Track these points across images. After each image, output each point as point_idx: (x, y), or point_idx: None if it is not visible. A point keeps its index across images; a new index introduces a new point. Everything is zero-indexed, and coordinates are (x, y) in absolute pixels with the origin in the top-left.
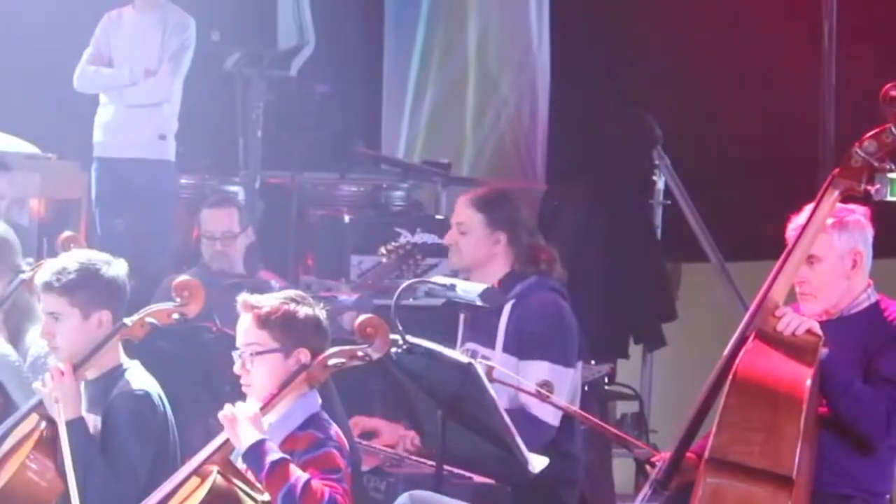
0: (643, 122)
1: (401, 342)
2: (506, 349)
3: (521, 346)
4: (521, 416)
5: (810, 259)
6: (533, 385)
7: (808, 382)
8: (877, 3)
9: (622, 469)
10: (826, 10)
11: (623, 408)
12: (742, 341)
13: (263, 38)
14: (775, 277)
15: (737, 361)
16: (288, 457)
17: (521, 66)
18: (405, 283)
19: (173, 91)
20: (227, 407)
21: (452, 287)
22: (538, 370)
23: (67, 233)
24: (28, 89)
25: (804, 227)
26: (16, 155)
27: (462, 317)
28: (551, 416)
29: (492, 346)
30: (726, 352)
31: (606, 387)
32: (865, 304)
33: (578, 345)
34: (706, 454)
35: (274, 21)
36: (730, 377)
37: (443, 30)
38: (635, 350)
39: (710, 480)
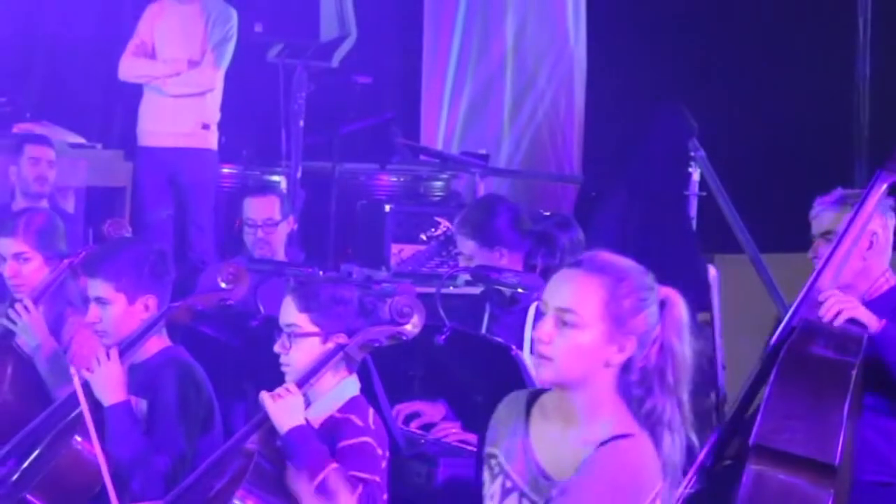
0: (679, 113)
1: (444, 327)
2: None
3: None
4: None
5: (827, 235)
6: None
7: (853, 373)
8: None
9: None
10: (861, 4)
11: None
12: (788, 331)
13: (306, 29)
14: (822, 268)
15: (783, 350)
16: (325, 447)
17: (557, 60)
18: (468, 268)
19: (216, 81)
20: (264, 395)
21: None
22: None
23: (113, 219)
24: (73, 80)
25: (852, 219)
26: (61, 144)
27: (487, 314)
28: None
29: (519, 346)
30: (773, 340)
31: None
32: (885, 288)
33: None
34: (751, 441)
35: (316, 12)
36: (776, 366)
37: (481, 23)
38: None
39: (753, 467)
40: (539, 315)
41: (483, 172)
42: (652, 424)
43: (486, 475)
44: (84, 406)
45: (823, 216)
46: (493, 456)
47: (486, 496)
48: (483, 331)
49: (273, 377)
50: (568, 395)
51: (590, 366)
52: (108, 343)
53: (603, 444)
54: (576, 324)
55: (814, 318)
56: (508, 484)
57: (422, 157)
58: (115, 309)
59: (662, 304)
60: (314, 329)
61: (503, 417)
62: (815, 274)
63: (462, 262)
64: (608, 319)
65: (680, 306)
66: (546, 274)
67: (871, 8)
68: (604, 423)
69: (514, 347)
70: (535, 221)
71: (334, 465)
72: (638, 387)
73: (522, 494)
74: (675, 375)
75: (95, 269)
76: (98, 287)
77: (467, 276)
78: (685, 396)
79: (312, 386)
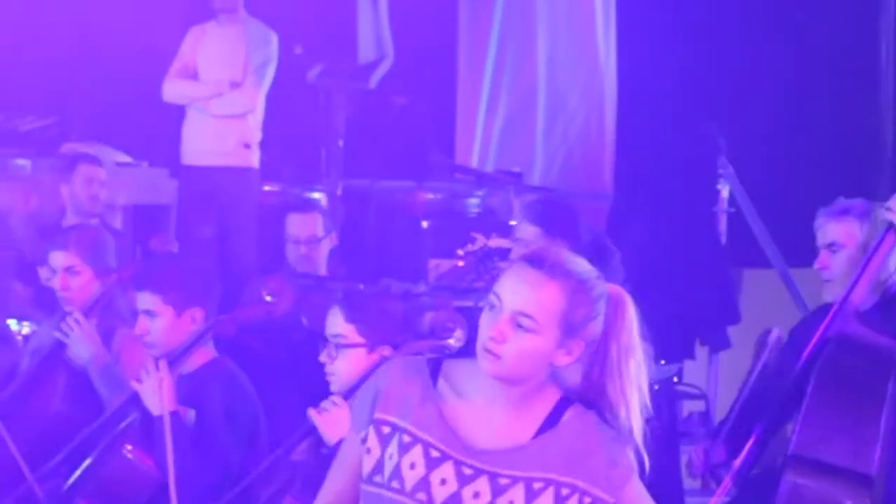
0: (707, 132)
1: None
2: None
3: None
4: None
5: (832, 246)
6: None
7: (889, 385)
8: None
9: None
10: (884, 28)
11: (689, 406)
12: (824, 342)
13: (344, 51)
14: (856, 282)
15: (819, 363)
16: None
17: (588, 81)
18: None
19: (257, 102)
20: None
21: None
22: None
23: (159, 235)
24: (119, 101)
25: (885, 234)
26: (108, 162)
27: None
28: None
29: None
30: (807, 352)
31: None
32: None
33: None
34: (789, 450)
35: (354, 36)
36: (813, 378)
37: (514, 46)
38: (701, 351)
39: (791, 477)
40: (496, 311)
41: (517, 190)
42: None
43: (383, 445)
44: (166, 417)
45: (827, 228)
46: (398, 426)
47: (392, 466)
48: None
49: (316, 388)
50: (503, 384)
51: (536, 367)
52: (156, 354)
53: (552, 418)
54: (532, 329)
55: (849, 331)
56: (435, 453)
57: (457, 175)
58: (163, 321)
59: (616, 304)
60: (360, 340)
61: (403, 386)
62: (849, 285)
63: (516, 250)
64: (563, 326)
65: (631, 304)
66: None
67: (894, 32)
68: (538, 404)
69: None
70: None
71: None
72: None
73: (459, 463)
74: (636, 370)
75: (144, 283)
76: (146, 300)
77: None
78: (645, 386)
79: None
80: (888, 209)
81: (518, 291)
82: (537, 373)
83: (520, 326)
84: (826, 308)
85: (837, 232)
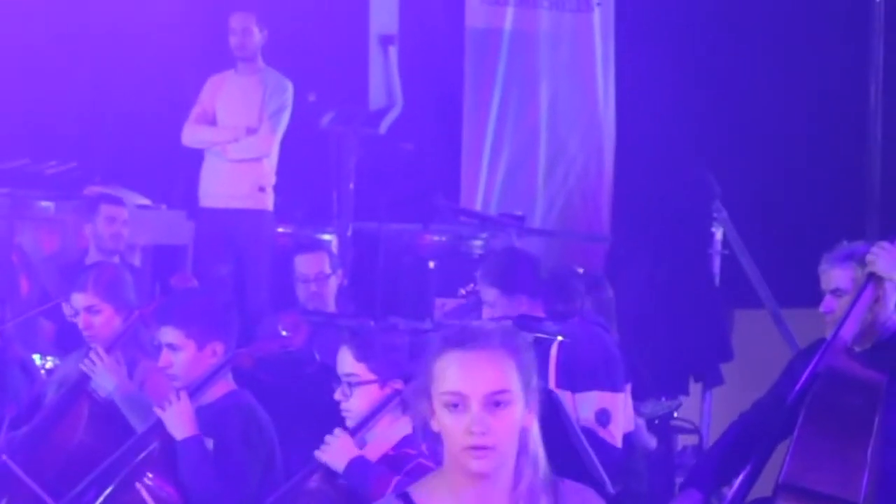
0: (702, 177)
1: None
2: (559, 385)
3: (574, 381)
4: (589, 438)
5: (836, 292)
6: (591, 416)
7: (875, 417)
8: None
9: None
10: (873, 70)
11: (684, 440)
12: (815, 376)
13: (356, 98)
14: (845, 319)
15: (809, 397)
16: (385, 468)
17: (588, 128)
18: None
19: (272, 147)
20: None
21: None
22: (592, 401)
23: (180, 273)
24: (140, 146)
25: (866, 284)
26: (129, 204)
27: None
28: (615, 438)
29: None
30: (799, 385)
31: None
32: (893, 329)
33: (623, 371)
34: (779, 479)
35: (365, 84)
36: (803, 410)
37: (517, 95)
38: (695, 387)
39: None
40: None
41: (519, 232)
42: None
43: None
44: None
45: (832, 273)
46: None
47: None
48: None
49: (328, 420)
50: (491, 477)
51: (515, 439)
52: (178, 386)
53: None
54: (509, 401)
55: (838, 366)
56: None
57: (462, 218)
58: (185, 354)
59: None
60: (372, 377)
61: None
62: (839, 322)
63: (485, 311)
64: (524, 388)
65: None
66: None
67: (883, 73)
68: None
69: (553, 390)
70: (569, 277)
71: (398, 477)
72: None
73: None
74: None
75: (167, 317)
76: (169, 334)
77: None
78: None
79: (371, 429)
80: (869, 261)
81: (482, 376)
82: (514, 445)
83: (497, 405)
84: (822, 342)
85: (842, 278)
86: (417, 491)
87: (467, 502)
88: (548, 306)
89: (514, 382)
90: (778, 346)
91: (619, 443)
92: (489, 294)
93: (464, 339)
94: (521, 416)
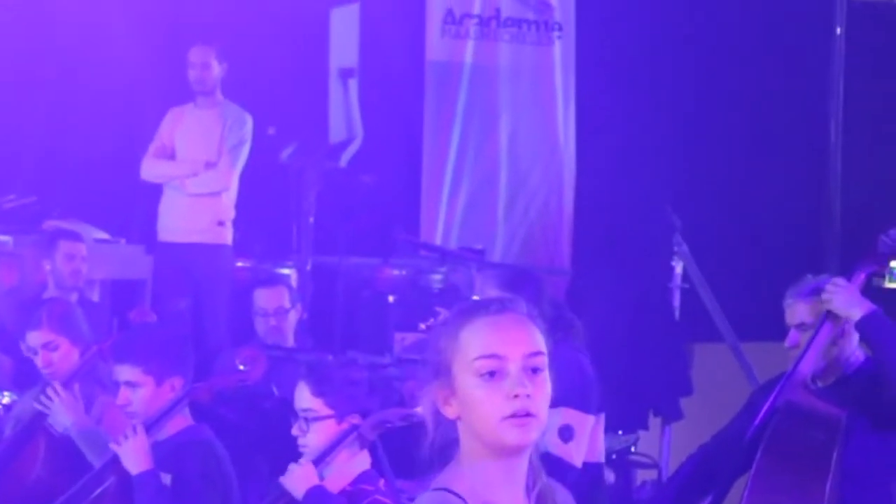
0: (662, 211)
1: None
2: None
3: None
4: (546, 458)
5: (801, 326)
6: (555, 431)
7: (833, 452)
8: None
9: None
10: (833, 104)
11: (643, 475)
12: (774, 411)
13: (316, 132)
14: (804, 353)
15: (768, 431)
16: (343, 499)
17: (548, 161)
18: None
19: (231, 181)
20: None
21: None
22: (558, 416)
23: (138, 308)
24: (98, 180)
25: (823, 321)
26: (88, 239)
27: None
28: (574, 458)
29: None
30: (758, 420)
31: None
32: (857, 364)
33: (597, 398)
34: None
35: (325, 117)
36: (762, 445)
37: (477, 128)
38: (654, 422)
39: None
40: (499, 374)
41: (479, 266)
42: None
43: None
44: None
45: (796, 307)
46: None
47: None
48: None
49: (285, 455)
50: (524, 451)
51: (548, 411)
52: (137, 422)
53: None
54: (544, 367)
55: (797, 400)
56: None
57: (422, 252)
58: (144, 391)
59: None
60: (329, 412)
61: None
62: (798, 356)
63: None
64: (549, 356)
65: None
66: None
67: (843, 107)
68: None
69: None
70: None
71: None
72: None
73: None
74: None
75: (124, 355)
76: (127, 371)
77: None
78: None
79: (328, 464)
80: (825, 298)
81: (517, 338)
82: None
83: (534, 371)
84: (783, 377)
85: (806, 312)
86: (451, 483)
87: (495, 484)
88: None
89: (545, 348)
90: (738, 381)
91: (577, 463)
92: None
93: (489, 306)
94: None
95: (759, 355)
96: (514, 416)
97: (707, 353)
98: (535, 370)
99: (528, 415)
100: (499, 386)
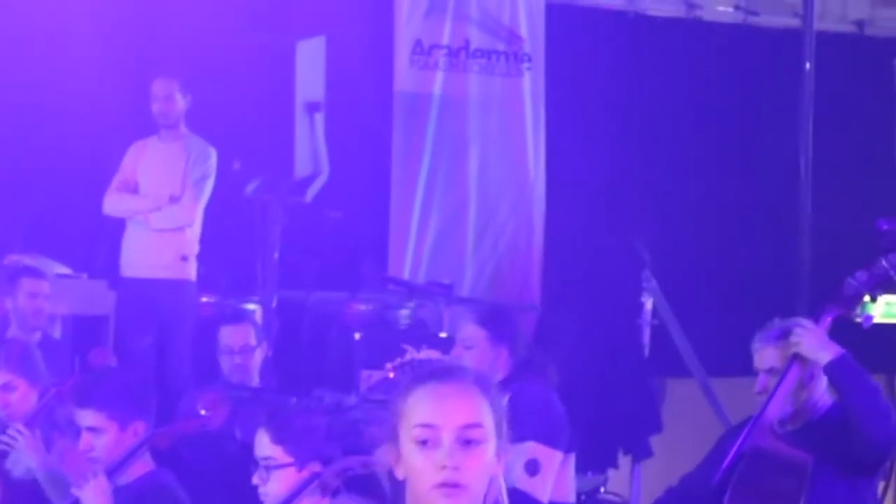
0: (632, 246)
1: None
2: None
3: (513, 433)
4: (511, 494)
5: (772, 371)
6: (521, 465)
7: (802, 497)
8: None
9: None
10: (803, 141)
11: None
12: (740, 455)
13: (281, 167)
14: (771, 398)
15: (734, 476)
16: None
17: (518, 194)
18: None
19: (195, 216)
20: None
21: None
22: (525, 450)
23: (98, 349)
24: (60, 214)
25: (791, 364)
26: (50, 274)
27: None
28: (540, 493)
29: None
30: (725, 464)
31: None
32: (825, 408)
33: (567, 436)
34: None
35: (291, 152)
36: (728, 491)
37: (446, 161)
38: (624, 460)
39: None
40: (432, 443)
41: (447, 301)
42: None
43: None
44: None
45: (765, 352)
46: None
47: None
48: None
49: (248, 501)
50: None
51: (485, 482)
52: (100, 467)
53: None
54: (481, 440)
55: (763, 445)
56: None
57: (389, 287)
58: (107, 437)
59: None
60: (289, 460)
61: None
62: (765, 401)
63: (458, 351)
64: (496, 430)
65: None
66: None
67: (813, 144)
68: None
69: None
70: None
71: None
72: None
73: None
74: None
75: (86, 400)
76: (89, 417)
77: None
78: None
79: None
80: (793, 341)
81: (456, 407)
82: (484, 490)
83: (469, 443)
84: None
85: (776, 357)
86: None
87: None
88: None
89: (486, 420)
90: (709, 417)
91: (544, 498)
92: (475, 333)
93: (436, 373)
94: (491, 462)
95: (730, 391)
96: (443, 485)
97: (678, 388)
98: (468, 442)
99: (456, 486)
100: (431, 455)
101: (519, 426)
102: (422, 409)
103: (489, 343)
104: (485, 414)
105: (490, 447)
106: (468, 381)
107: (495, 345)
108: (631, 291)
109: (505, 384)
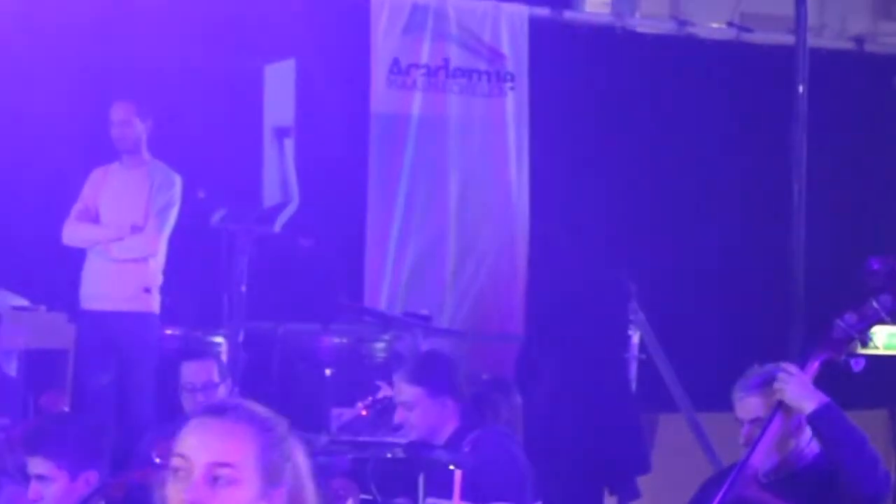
0: (619, 278)
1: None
2: (464, 497)
3: (480, 493)
4: None
5: (756, 421)
6: None
7: None
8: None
9: None
10: (796, 168)
11: None
12: None
13: (249, 195)
14: (754, 447)
15: None
16: None
17: (500, 220)
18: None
19: (158, 246)
20: None
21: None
22: None
23: (51, 392)
24: (17, 244)
25: (775, 411)
26: (5, 306)
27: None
28: None
29: (450, 496)
30: None
31: None
32: (811, 456)
33: (532, 486)
34: None
35: (259, 179)
36: None
37: (424, 185)
38: (610, 500)
39: None
40: (182, 473)
41: (425, 333)
42: None
43: None
44: None
45: (748, 402)
46: None
47: None
48: (420, 494)
49: None
50: None
51: None
52: None
53: None
54: (232, 480)
55: (746, 495)
56: None
57: (365, 318)
58: (57, 486)
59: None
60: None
61: None
62: (748, 450)
63: (401, 412)
64: (261, 472)
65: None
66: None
67: (806, 171)
68: None
69: None
70: (473, 384)
71: None
72: None
73: None
74: None
75: (36, 447)
76: (39, 465)
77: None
78: None
79: None
80: (777, 388)
81: (207, 443)
82: None
83: (216, 480)
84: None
85: (760, 406)
86: None
87: None
88: (464, 421)
89: (244, 462)
90: (697, 454)
91: None
92: (410, 393)
93: (211, 408)
94: None
95: (718, 426)
96: None
97: (667, 424)
98: (217, 479)
99: None
100: (178, 486)
101: (484, 486)
102: (182, 439)
103: (429, 398)
104: (243, 456)
105: (247, 491)
106: (237, 420)
107: (436, 398)
108: (617, 324)
109: (460, 435)
